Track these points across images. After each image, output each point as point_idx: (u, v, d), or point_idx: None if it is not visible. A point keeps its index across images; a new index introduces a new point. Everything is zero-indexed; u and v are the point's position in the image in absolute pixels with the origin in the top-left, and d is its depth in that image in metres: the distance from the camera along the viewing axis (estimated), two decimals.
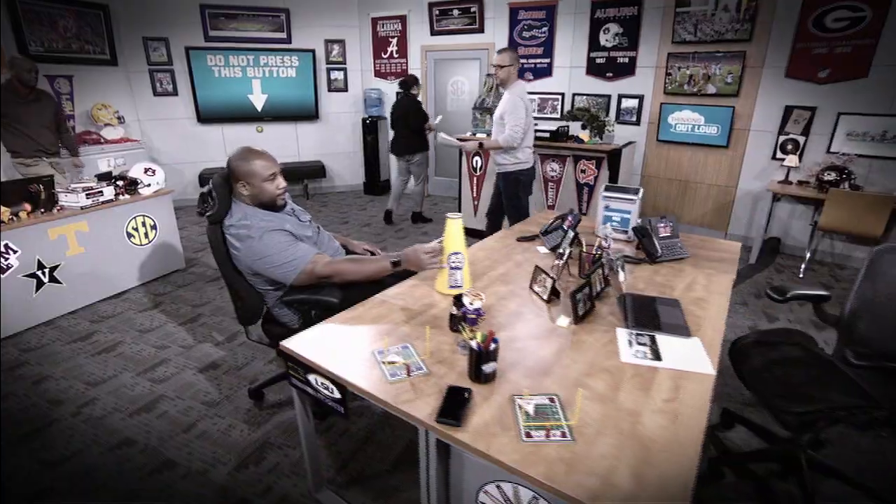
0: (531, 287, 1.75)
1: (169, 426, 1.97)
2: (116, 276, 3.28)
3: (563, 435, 1.01)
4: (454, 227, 1.63)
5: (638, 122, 4.74)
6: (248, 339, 2.06)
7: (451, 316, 1.39)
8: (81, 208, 3.01)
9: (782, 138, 4.06)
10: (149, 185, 3.46)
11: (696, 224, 4.71)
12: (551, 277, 1.63)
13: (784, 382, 1.54)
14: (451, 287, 1.66)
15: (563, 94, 5.12)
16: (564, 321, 1.51)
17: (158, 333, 2.76)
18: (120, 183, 3.33)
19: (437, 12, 5.45)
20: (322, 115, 6.04)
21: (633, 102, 4.73)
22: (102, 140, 4.63)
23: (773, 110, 4.06)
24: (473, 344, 1.14)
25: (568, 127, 3.99)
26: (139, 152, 4.87)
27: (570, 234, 2.12)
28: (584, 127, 4.06)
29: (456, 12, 5.36)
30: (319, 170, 5.84)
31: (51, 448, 1.86)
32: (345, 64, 5.96)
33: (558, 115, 5.19)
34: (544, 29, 5.01)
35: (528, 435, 1.01)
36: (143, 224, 3.42)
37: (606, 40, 4.71)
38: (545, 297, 1.64)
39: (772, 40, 3.93)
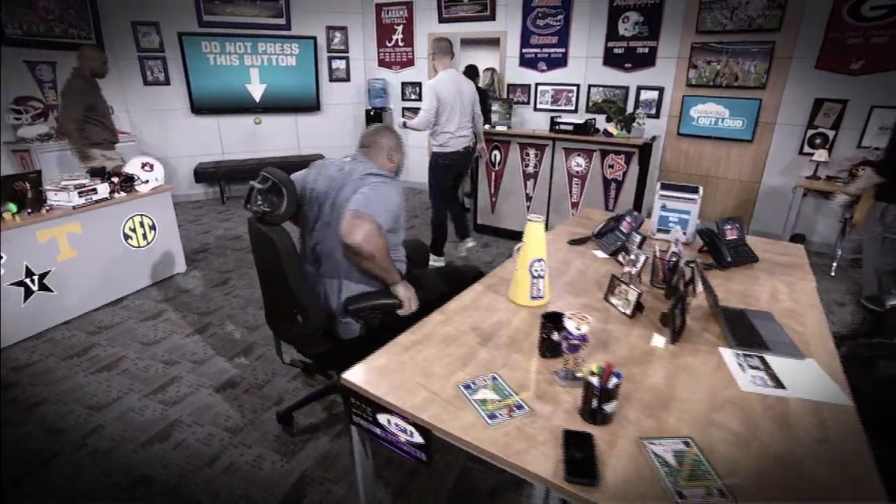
0: (606, 299, 1.56)
1: (189, 459, 1.74)
2: (113, 282, 3.00)
3: (723, 495, 0.83)
4: (535, 230, 1.42)
5: (657, 115, 4.57)
6: (282, 363, 1.83)
7: (543, 339, 1.19)
8: (73, 208, 2.72)
9: (811, 132, 3.94)
10: (146, 181, 3.17)
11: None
12: (635, 290, 1.44)
13: None
14: (533, 298, 1.46)
15: (578, 86, 4.92)
16: (660, 341, 1.32)
17: (165, 346, 2.51)
18: (115, 180, 3.04)
19: None
20: (323, 107, 5.75)
21: (653, 94, 4.56)
22: None
23: (802, 103, 3.93)
24: (594, 381, 0.94)
25: (594, 120, 3.80)
26: (130, 146, 4.53)
27: (637, 238, 1.93)
28: (609, 120, 3.87)
29: None
30: None
31: (55, 490, 1.61)
32: (347, 52, 5.67)
33: (573, 108, 5.01)
34: (559, 17, 4.80)
35: (681, 495, 0.82)
36: (142, 224, 3.14)
37: (626, 29, 4.52)
38: (628, 311, 1.45)
39: (802, 30, 3.79)
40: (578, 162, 3.70)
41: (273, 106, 5.45)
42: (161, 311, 2.89)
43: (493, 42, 5.19)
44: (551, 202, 3.91)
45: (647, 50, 4.47)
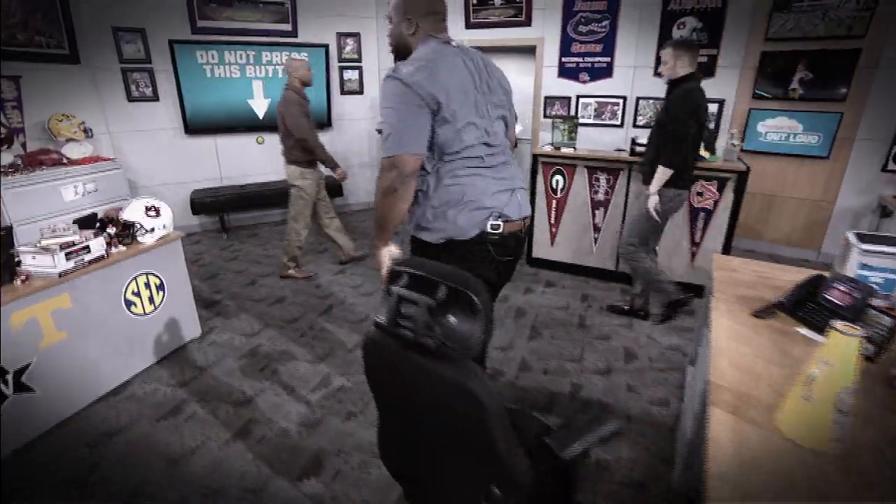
0: None
1: None
2: (113, 364, 2.31)
3: None
4: (849, 347, 0.89)
5: (716, 130, 4.17)
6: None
7: None
8: (60, 275, 2.04)
9: None
10: (151, 229, 2.50)
11: (782, 243, 4.21)
12: None
13: None
14: (833, 441, 0.93)
15: (624, 98, 4.48)
16: None
17: (200, 461, 1.86)
18: (111, 231, 2.36)
19: (475, 1, 4.67)
20: (335, 123, 5.12)
21: (712, 108, 4.15)
22: (65, 160, 3.54)
23: (887, 116, 3.59)
24: None
25: None
26: (114, 174, 3.79)
27: (888, 320, 1.43)
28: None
29: (498, 1, 4.60)
30: (335, 188, 4.91)
31: None
32: (360, 62, 5.06)
33: (618, 122, 4.56)
34: (605, 23, 4.35)
35: None
36: (147, 285, 2.46)
37: (681, 36, 4.10)
38: None
39: (890, 36, 3.44)
40: None
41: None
42: (181, 402, 2.22)
43: (528, 51, 4.70)
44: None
45: (705, 59, 4.06)
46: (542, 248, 3.74)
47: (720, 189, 3.06)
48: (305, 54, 4.55)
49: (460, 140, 1.36)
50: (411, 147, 1.32)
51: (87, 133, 3.76)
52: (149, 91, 4.25)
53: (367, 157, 5.45)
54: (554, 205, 3.58)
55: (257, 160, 4.88)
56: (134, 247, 2.41)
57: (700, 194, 3.12)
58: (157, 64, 4.22)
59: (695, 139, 2.57)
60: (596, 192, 3.42)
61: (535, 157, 3.56)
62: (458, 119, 1.34)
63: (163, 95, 4.32)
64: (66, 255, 2.06)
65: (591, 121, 4.66)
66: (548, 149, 3.49)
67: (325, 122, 5.02)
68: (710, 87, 4.02)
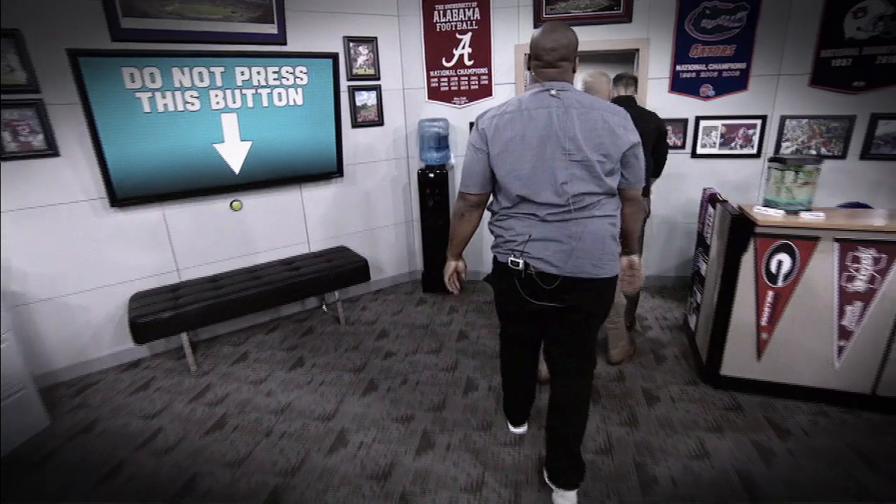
0: None
1: None
2: None
3: None
4: None
5: None
6: None
7: None
8: None
9: None
10: None
11: None
12: None
13: None
14: None
15: (764, 118, 3.24)
16: None
17: None
18: None
19: None
20: (346, 170, 3.49)
21: None
22: None
23: None
24: None
25: None
26: None
27: None
28: None
29: None
30: (360, 270, 3.25)
31: None
32: (378, 79, 3.49)
33: (753, 151, 3.32)
34: (740, 15, 3.10)
35: None
36: None
37: (859, 28, 2.93)
38: None
39: None
40: None
41: (264, 177, 3.10)
42: None
43: (626, 57, 3.37)
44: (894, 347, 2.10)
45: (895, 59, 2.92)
46: (739, 361, 2.35)
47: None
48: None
49: (506, 188, 1.51)
50: (471, 187, 1.57)
51: None
52: (38, 140, 2.44)
53: (392, 213, 3.84)
54: (769, 298, 2.20)
55: (234, 233, 3.15)
56: None
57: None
58: (49, 93, 2.42)
59: None
60: (850, 280, 2.08)
61: (736, 222, 2.17)
62: (501, 167, 1.48)
63: (66, 146, 2.52)
64: None
65: (714, 150, 3.39)
66: (771, 214, 2.11)
67: (334, 171, 3.38)
68: None
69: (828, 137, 3.15)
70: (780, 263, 2.14)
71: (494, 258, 1.64)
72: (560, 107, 1.42)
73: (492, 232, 1.64)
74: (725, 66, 3.20)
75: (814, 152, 3.20)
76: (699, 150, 3.39)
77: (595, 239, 1.47)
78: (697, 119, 3.33)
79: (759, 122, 3.26)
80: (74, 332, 2.74)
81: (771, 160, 2.15)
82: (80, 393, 2.67)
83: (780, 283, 2.17)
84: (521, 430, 2.15)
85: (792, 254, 2.11)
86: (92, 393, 2.66)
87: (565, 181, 1.43)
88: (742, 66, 3.18)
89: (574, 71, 1.52)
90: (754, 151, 3.32)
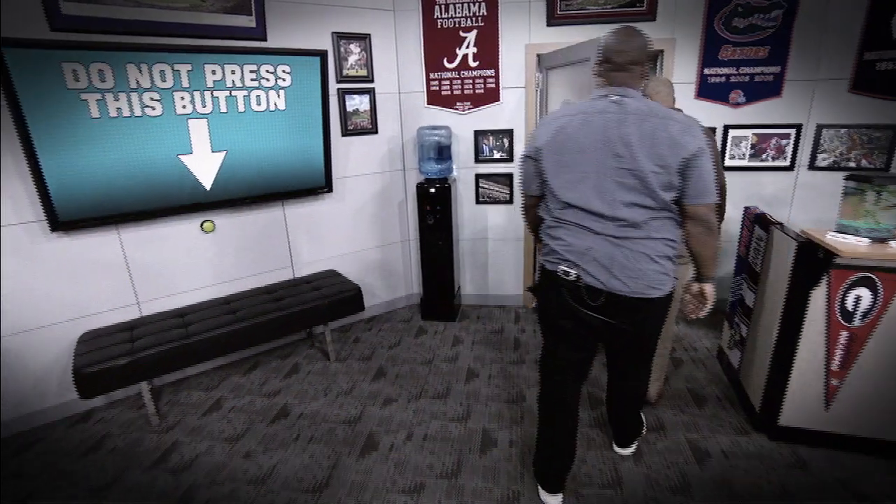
0: None
1: None
2: None
3: None
4: None
5: None
6: None
7: None
8: None
9: None
10: None
11: None
12: None
13: None
14: None
15: (798, 127, 2.96)
16: None
17: None
18: None
19: None
20: (336, 184, 3.08)
21: None
22: None
23: None
24: None
25: None
26: None
27: None
28: None
29: None
30: (352, 300, 2.84)
31: None
32: (371, 80, 3.09)
33: (787, 163, 3.03)
34: (775, 14, 2.81)
35: None
36: None
37: None
38: None
39: None
40: None
41: (241, 194, 2.67)
42: None
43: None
44: None
45: None
46: (803, 409, 2.02)
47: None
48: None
49: (553, 196, 1.51)
50: (524, 188, 1.63)
51: None
52: None
53: (387, 232, 3.44)
54: (842, 338, 1.88)
55: (203, 258, 2.70)
56: None
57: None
58: None
59: None
60: None
61: (803, 251, 1.84)
62: (551, 171, 1.48)
63: None
64: None
65: (744, 162, 3.09)
66: (853, 243, 1.78)
67: (322, 186, 2.96)
68: None
69: (869, 149, 2.88)
70: (857, 299, 1.82)
71: (542, 267, 1.60)
72: (619, 112, 1.39)
73: (541, 240, 1.64)
74: (758, 69, 2.91)
75: (853, 164, 2.93)
76: (727, 163, 3.09)
77: (643, 258, 1.42)
78: (726, 128, 3.03)
79: (793, 131, 2.98)
80: (11, 380, 2.27)
81: (847, 177, 1.83)
82: (17, 455, 2.21)
83: (856, 323, 1.85)
84: (556, 500, 1.79)
85: (874, 289, 1.79)
86: (32, 457, 2.19)
87: (615, 190, 1.39)
88: (776, 69, 2.90)
89: (643, 77, 1.47)
90: (787, 164, 3.03)
